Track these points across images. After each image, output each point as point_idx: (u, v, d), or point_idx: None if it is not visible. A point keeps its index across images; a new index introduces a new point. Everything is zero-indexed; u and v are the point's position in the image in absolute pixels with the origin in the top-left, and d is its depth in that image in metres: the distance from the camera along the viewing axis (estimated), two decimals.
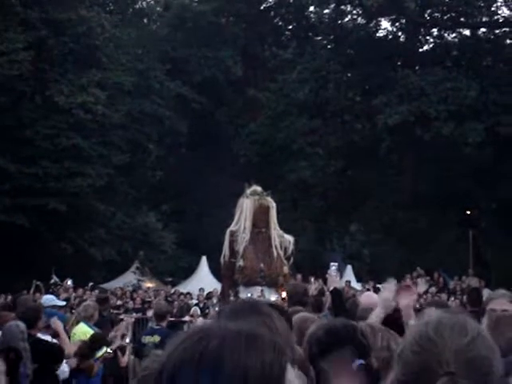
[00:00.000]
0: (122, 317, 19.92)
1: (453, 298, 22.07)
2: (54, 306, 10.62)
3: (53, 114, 30.21)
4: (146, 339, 9.59)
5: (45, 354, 7.79)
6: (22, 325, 7.62)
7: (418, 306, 5.53)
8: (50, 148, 29.88)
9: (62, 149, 30.04)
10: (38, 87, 30.36)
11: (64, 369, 8.43)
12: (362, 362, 2.86)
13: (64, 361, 8.45)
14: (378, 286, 24.47)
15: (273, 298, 16.78)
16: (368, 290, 24.34)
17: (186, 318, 21.13)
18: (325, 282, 20.56)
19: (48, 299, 11.27)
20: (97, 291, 23.17)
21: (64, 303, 13.25)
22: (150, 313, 24.03)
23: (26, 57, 28.92)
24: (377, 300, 5.23)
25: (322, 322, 3.37)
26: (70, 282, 23.09)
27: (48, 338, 8.71)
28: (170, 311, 12.18)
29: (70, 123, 30.25)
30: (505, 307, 4.74)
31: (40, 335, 8.57)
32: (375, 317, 4.42)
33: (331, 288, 6.67)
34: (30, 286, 22.25)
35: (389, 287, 4.60)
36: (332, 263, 7.10)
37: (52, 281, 26.21)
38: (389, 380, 1.71)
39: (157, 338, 9.34)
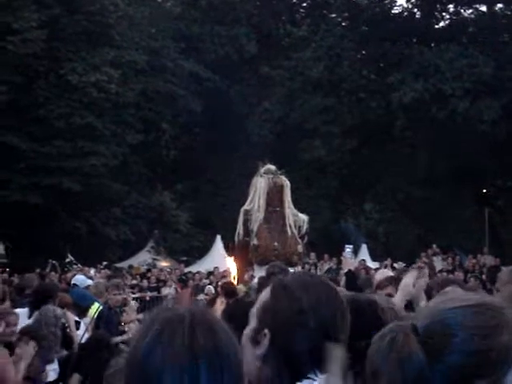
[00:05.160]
0: (136, 296, 20.03)
1: (469, 276, 21.93)
2: (88, 287, 10.56)
3: (66, 92, 30.12)
4: None
5: None
6: (58, 310, 7.68)
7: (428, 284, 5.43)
8: (63, 127, 29.81)
9: (75, 128, 29.98)
10: (51, 66, 30.26)
11: None
12: None
13: None
14: (395, 265, 24.43)
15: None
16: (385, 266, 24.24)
17: (201, 297, 21.13)
18: (339, 261, 20.50)
19: (82, 281, 11.17)
20: (105, 271, 23.20)
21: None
22: (164, 291, 24.13)
23: (39, 35, 28.81)
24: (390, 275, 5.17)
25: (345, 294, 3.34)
26: (92, 272, 22.94)
27: (76, 318, 8.75)
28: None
29: (84, 102, 30.17)
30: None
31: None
32: (397, 303, 4.35)
33: (345, 270, 6.74)
34: (44, 265, 22.41)
35: (411, 273, 4.53)
36: (347, 245, 7.16)
37: (67, 260, 26.35)
38: None
39: None
